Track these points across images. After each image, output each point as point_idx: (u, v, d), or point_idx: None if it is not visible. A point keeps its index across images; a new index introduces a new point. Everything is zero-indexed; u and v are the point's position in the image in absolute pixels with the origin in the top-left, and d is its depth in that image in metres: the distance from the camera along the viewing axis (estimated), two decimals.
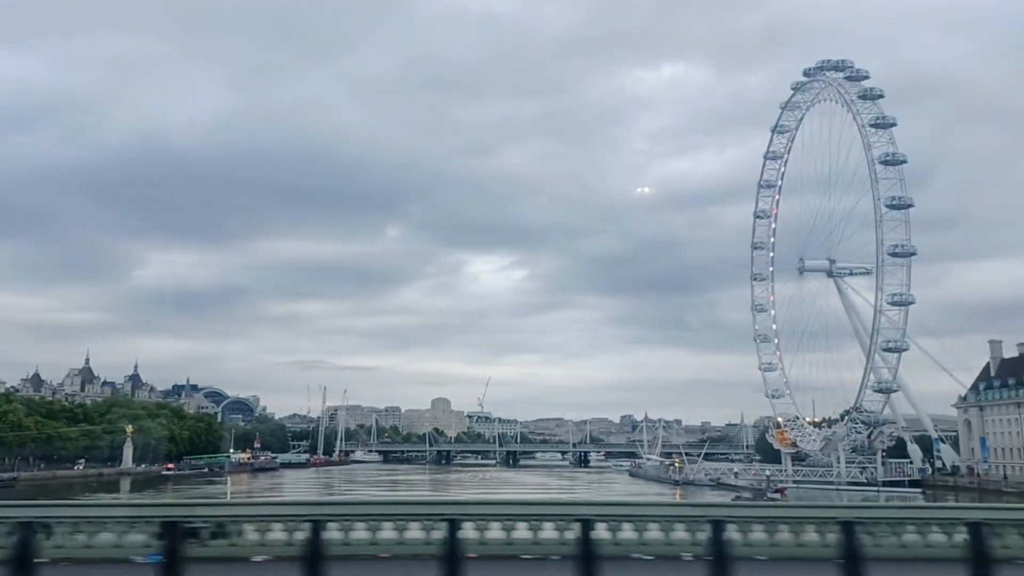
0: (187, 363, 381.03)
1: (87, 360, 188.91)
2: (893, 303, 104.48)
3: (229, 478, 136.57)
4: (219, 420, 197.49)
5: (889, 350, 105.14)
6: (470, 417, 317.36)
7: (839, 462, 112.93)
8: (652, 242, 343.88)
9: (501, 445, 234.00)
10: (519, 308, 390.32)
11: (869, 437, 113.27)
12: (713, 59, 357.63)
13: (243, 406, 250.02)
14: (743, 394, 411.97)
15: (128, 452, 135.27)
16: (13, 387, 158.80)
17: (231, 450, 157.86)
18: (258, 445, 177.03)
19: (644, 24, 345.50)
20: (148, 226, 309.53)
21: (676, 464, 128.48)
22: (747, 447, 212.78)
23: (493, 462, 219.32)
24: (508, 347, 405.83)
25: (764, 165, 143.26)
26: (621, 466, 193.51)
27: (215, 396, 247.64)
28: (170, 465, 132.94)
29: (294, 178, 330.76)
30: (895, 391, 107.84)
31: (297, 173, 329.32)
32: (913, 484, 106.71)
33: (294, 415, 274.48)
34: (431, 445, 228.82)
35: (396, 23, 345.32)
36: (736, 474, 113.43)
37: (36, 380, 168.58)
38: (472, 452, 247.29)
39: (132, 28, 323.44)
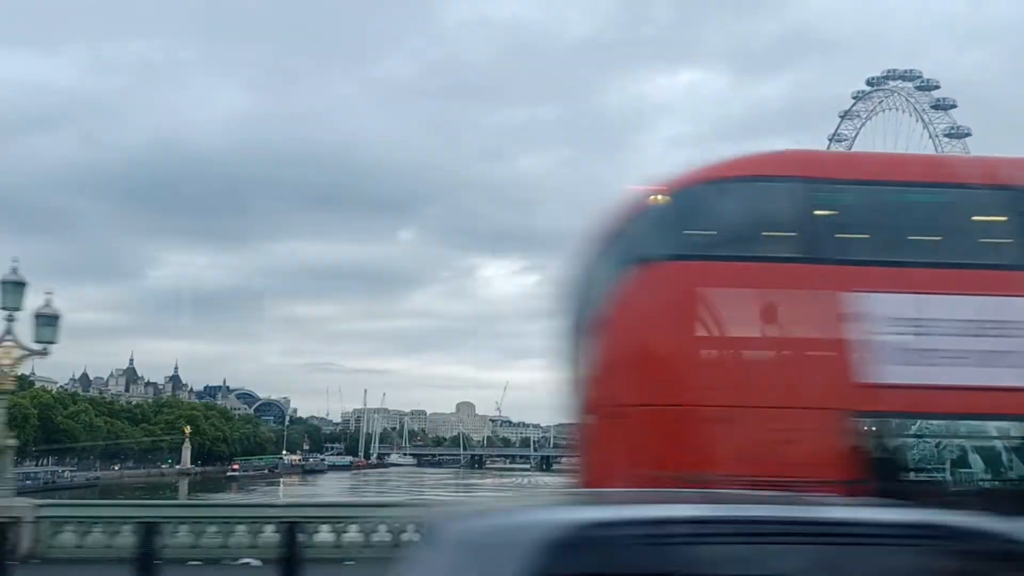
0: (198, 364, 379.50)
1: (131, 360, 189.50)
2: None
3: (282, 480, 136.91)
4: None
5: None
6: (493, 421, 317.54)
7: None
8: None
9: (536, 450, 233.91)
10: (530, 312, 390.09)
11: None
12: (731, 67, 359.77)
13: (275, 408, 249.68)
14: None
15: (187, 453, 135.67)
16: (63, 386, 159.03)
17: (284, 452, 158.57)
18: (307, 447, 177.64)
19: (663, 31, 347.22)
20: (163, 227, 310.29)
21: None
22: None
23: (527, 466, 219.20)
24: (519, 352, 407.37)
25: None
26: None
27: (247, 397, 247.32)
28: (235, 466, 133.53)
29: (312, 181, 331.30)
30: None
31: (316, 176, 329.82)
32: None
33: (311, 417, 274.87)
34: (464, 449, 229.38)
35: (420, 28, 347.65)
36: None
37: (85, 379, 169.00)
38: (501, 456, 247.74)
39: (160, 34, 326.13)
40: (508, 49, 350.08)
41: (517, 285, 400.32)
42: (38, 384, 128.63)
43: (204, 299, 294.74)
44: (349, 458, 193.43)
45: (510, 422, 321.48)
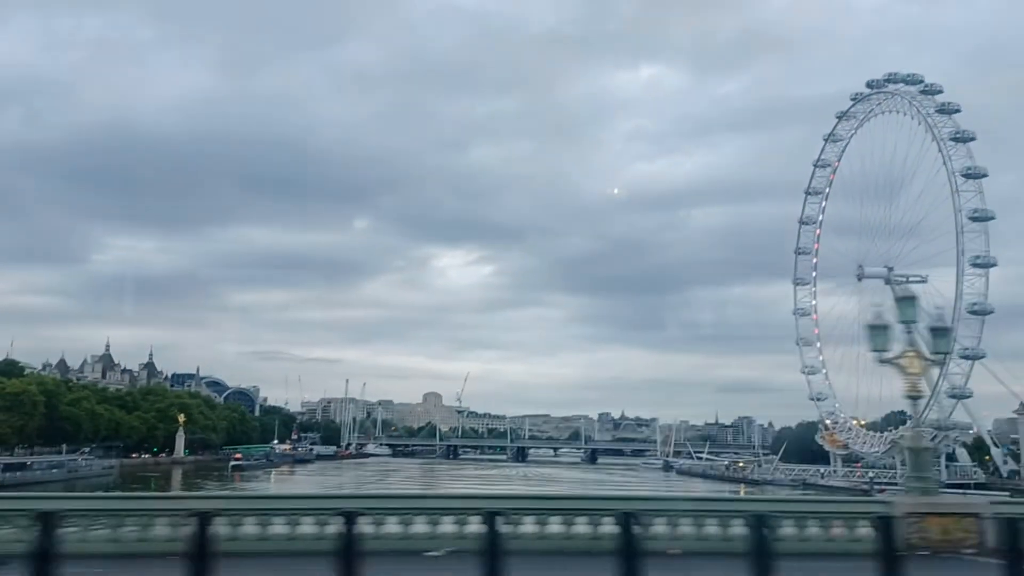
0: (143, 351, 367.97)
1: (107, 347, 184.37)
2: (973, 312, 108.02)
3: (274, 472, 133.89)
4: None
5: (966, 357, 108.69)
6: (459, 412, 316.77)
7: (904, 464, 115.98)
8: (622, 242, 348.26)
9: (512, 441, 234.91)
10: (484, 304, 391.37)
11: (932, 440, 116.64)
12: (691, 63, 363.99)
13: (244, 397, 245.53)
14: (705, 394, 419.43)
15: (180, 442, 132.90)
16: (39, 372, 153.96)
17: (275, 441, 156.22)
18: (296, 436, 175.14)
19: (626, 25, 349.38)
20: (109, 210, 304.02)
21: (740, 464, 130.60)
22: (757, 446, 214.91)
23: (503, 457, 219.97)
24: (471, 343, 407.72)
25: (813, 173, 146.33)
26: (651, 464, 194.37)
27: (216, 386, 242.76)
28: (238, 456, 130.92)
29: (268, 166, 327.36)
30: (968, 397, 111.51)
31: (271, 161, 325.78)
32: (979, 487, 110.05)
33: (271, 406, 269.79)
34: (440, 440, 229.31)
35: (386, 15, 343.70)
36: (823, 475, 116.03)
37: (63, 366, 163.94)
38: (475, 447, 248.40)
39: (120, 11, 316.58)
40: (473, 38, 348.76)
41: (472, 275, 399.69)
42: (28, 371, 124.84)
43: (151, 285, 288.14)
44: (334, 448, 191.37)
45: (476, 413, 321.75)
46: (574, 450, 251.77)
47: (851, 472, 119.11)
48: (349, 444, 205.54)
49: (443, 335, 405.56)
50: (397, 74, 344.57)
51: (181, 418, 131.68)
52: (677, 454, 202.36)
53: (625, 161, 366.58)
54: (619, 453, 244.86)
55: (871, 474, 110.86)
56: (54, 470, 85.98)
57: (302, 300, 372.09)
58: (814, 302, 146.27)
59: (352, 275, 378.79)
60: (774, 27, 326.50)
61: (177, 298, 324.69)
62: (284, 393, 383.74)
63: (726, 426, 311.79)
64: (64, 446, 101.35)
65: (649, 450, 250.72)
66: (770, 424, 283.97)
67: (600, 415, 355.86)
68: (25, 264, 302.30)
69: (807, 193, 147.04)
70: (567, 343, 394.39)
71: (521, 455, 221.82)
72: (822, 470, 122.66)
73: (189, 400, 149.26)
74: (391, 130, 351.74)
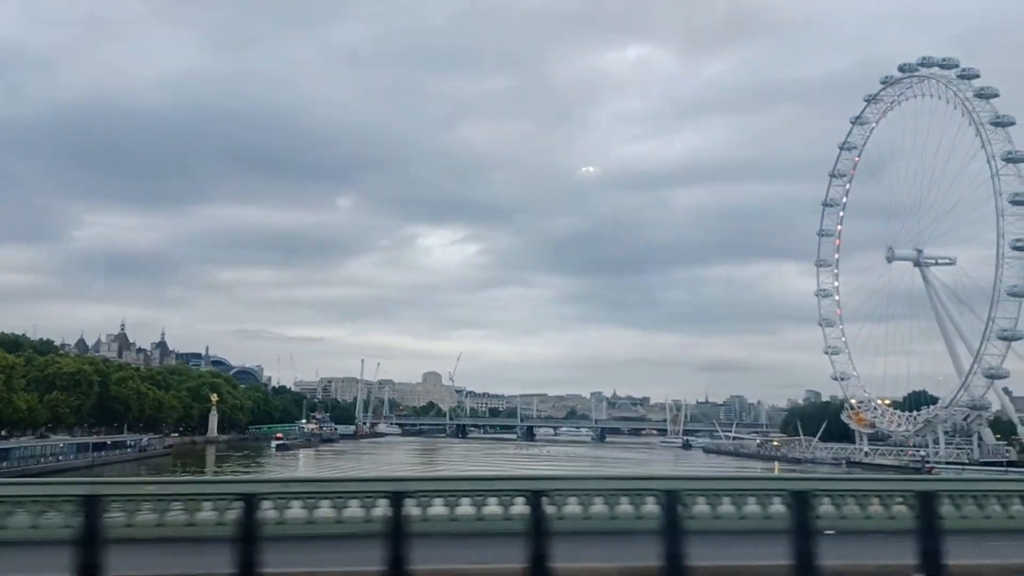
0: (134, 329, 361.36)
1: (122, 327, 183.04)
2: (1012, 294, 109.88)
3: (302, 452, 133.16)
4: None
5: (1003, 338, 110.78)
6: (459, 392, 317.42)
7: (938, 443, 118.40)
8: (608, 222, 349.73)
9: (522, 421, 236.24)
10: (468, 283, 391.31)
11: (965, 420, 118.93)
12: (681, 44, 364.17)
13: (250, 376, 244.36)
14: (687, 372, 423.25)
15: (214, 421, 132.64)
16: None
17: (303, 420, 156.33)
18: (318, 416, 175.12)
19: (615, 4, 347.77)
20: (93, 187, 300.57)
21: (774, 443, 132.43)
22: (765, 425, 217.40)
23: (513, 436, 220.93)
24: (456, 322, 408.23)
25: (839, 155, 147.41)
26: (670, 443, 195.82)
27: (220, 365, 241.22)
28: (279, 436, 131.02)
29: (253, 144, 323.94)
30: (1004, 377, 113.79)
31: (257, 140, 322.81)
32: (1011, 464, 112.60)
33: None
34: (451, 419, 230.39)
35: None
36: (867, 453, 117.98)
37: (82, 345, 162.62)
38: (480, 426, 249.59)
39: None
40: (463, 16, 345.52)
41: (457, 254, 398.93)
42: (62, 350, 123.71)
43: (132, 262, 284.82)
44: (353, 427, 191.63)
45: (475, 392, 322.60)
46: (573, 428, 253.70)
47: (886, 451, 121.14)
48: (364, 423, 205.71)
49: (428, 314, 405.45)
50: (388, 52, 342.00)
51: (214, 397, 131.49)
52: (687, 432, 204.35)
53: (613, 141, 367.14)
54: (617, 431, 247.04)
55: (922, 452, 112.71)
56: (128, 449, 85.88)
57: (284, 279, 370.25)
58: (836, 283, 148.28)
59: (336, 254, 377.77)
60: (765, 8, 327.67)
61: (157, 276, 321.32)
62: (276, 372, 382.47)
63: (718, 404, 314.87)
64: (124, 427, 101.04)
65: (646, 428, 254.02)
66: (759, 402, 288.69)
67: (592, 394, 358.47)
68: (2, 241, 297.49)
69: (831, 176, 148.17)
70: (552, 322, 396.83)
71: (530, 434, 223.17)
72: (864, 448, 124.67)
73: (216, 379, 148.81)
74: (380, 109, 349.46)
